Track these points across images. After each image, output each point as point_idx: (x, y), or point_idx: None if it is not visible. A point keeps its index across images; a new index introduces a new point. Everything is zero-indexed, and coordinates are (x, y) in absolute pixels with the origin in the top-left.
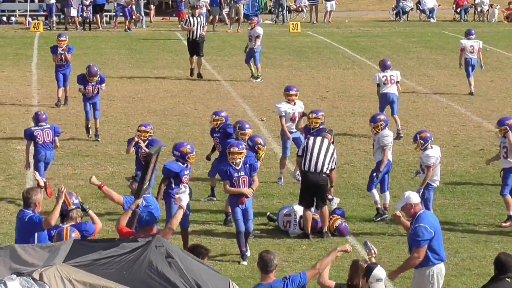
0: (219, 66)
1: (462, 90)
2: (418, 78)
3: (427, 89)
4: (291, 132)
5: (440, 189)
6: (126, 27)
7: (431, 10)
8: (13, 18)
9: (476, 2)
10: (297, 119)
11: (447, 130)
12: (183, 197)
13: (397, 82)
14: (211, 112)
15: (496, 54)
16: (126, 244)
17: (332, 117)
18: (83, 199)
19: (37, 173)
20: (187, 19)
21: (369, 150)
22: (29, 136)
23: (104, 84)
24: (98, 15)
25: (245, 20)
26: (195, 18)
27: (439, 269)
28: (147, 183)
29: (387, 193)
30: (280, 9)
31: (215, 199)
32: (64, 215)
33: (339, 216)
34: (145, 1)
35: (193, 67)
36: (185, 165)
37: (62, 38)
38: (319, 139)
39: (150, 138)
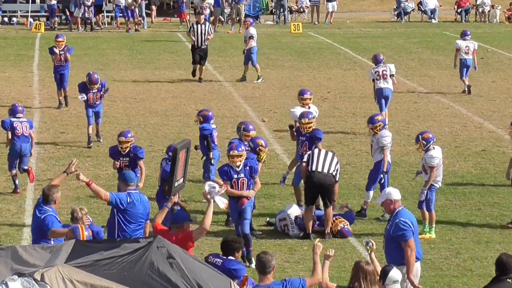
0: (221, 67)
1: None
2: (419, 78)
3: (429, 90)
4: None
5: (441, 190)
6: (128, 28)
7: (433, 11)
8: (14, 19)
9: (478, 3)
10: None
11: (448, 130)
12: (214, 194)
13: (391, 75)
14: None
15: (497, 55)
16: (128, 244)
17: (333, 117)
18: (84, 199)
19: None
20: (191, 27)
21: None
22: (10, 126)
23: (106, 93)
24: (98, 16)
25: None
26: (199, 25)
27: (415, 268)
28: (181, 180)
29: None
30: (281, 10)
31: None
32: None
33: (343, 219)
34: (147, 1)
35: (195, 73)
36: None
37: (60, 39)
38: (323, 150)
39: (132, 146)
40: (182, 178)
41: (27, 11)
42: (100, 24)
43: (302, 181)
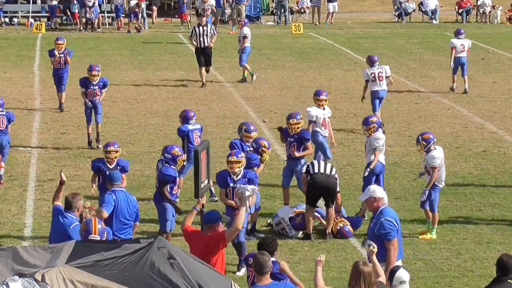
0: (221, 68)
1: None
2: (420, 79)
3: (430, 91)
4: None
5: (442, 191)
6: (128, 28)
7: (433, 12)
8: (15, 20)
9: (478, 3)
10: (327, 124)
11: (449, 131)
12: (247, 195)
13: (387, 76)
14: (214, 113)
15: (498, 55)
16: (128, 245)
17: (334, 118)
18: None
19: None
20: (193, 31)
21: None
22: None
23: (105, 89)
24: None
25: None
26: (201, 27)
27: None
28: (206, 181)
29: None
30: (282, 11)
31: (216, 198)
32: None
33: (344, 219)
34: (147, 2)
35: (204, 80)
36: (175, 167)
37: (60, 42)
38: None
39: (118, 159)
40: (207, 179)
41: (28, 12)
42: (100, 24)
43: (290, 183)
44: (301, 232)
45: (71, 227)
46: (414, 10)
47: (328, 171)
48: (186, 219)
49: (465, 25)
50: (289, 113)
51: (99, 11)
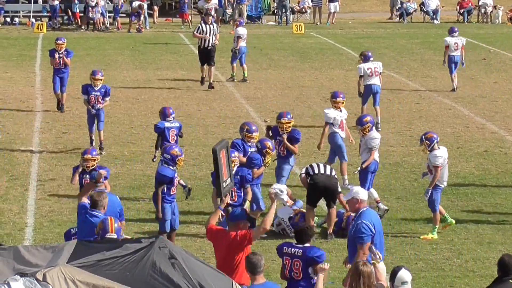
0: (223, 67)
1: (465, 91)
2: (421, 79)
3: (431, 91)
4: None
5: (443, 191)
6: (129, 27)
7: (435, 12)
8: (16, 19)
9: (480, 3)
10: (344, 126)
11: (450, 131)
12: (280, 193)
13: (380, 73)
14: (215, 113)
15: (499, 55)
16: (130, 245)
17: None
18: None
19: None
20: (199, 27)
21: None
22: None
23: (108, 98)
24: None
25: (248, 21)
26: (207, 25)
27: (381, 268)
28: (228, 180)
29: (372, 190)
30: (283, 10)
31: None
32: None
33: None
34: (149, 2)
35: (204, 75)
36: (174, 168)
37: (60, 42)
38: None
39: (97, 166)
40: (229, 178)
41: (30, 11)
42: (100, 24)
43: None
44: None
45: (91, 217)
46: (415, 10)
47: (328, 172)
48: (210, 218)
49: (466, 25)
50: (279, 113)
51: (101, 11)
